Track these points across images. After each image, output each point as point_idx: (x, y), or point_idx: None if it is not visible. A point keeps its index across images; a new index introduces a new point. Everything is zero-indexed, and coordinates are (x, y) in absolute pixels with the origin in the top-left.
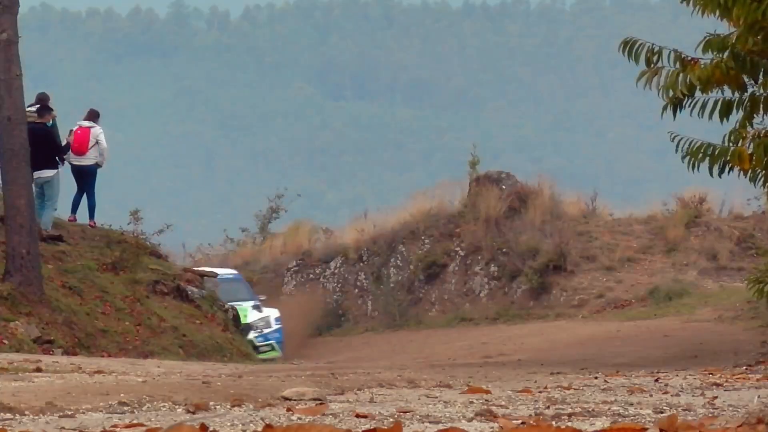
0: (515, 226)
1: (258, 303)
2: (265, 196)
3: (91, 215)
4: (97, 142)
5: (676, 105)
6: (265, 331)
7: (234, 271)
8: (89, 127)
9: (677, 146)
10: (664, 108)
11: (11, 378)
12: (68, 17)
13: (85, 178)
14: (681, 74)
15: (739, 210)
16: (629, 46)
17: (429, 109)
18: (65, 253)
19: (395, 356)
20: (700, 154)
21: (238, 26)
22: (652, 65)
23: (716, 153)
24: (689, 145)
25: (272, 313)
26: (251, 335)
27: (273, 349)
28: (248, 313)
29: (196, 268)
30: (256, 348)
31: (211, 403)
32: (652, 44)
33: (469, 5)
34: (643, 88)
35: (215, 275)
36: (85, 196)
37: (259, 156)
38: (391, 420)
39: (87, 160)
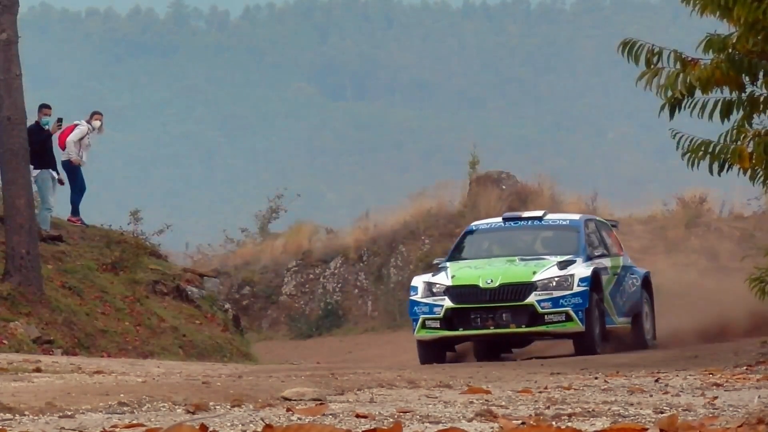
0: None
1: (576, 259)
2: (265, 196)
3: (71, 212)
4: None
5: (674, 105)
6: (557, 294)
7: (575, 216)
8: (75, 125)
9: (678, 143)
10: (662, 108)
11: (11, 378)
12: (68, 17)
13: (66, 173)
14: (681, 74)
15: (739, 210)
16: (629, 47)
17: (429, 109)
18: (65, 253)
19: (395, 356)
20: (701, 152)
21: (238, 26)
22: (652, 66)
23: (716, 151)
24: (690, 142)
25: (581, 272)
26: (531, 298)
27: (569, 319)
28: (543, 269)
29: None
30: (538, 317)
31: (211, 404)
32: (652, 45)
33: (469, 5)
34: (643, 89)
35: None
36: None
37: (259, 156)
38: (391, 420)
39: (63, 155)
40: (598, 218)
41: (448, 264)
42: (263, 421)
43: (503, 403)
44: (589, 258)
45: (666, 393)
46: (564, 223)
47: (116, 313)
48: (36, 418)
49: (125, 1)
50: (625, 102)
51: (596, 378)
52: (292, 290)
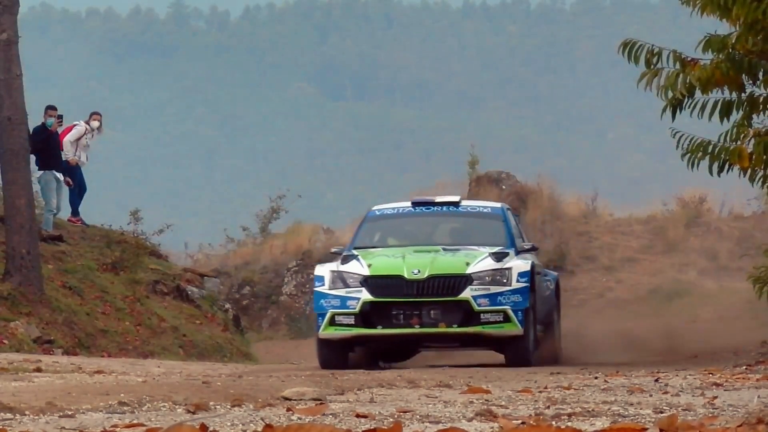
0: None
1: (508, 251)
2: (266, 196)
3: (71, 212)
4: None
5: (676, 106)
6: (494, 289)
7: (495, 204)
8: (74, 125)
9: (678, 143)
10: (664, 109)
11: (11, 378)
12: (68, 17)
13: (66, 174)
14: (681, 75)
15: (739, 210)
16: (629, 48)
17: (429, 109)
18: (65, 253)
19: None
20: (700, 152)
21: (238, 26)
22: (652, 66)
23: (716, 151)
24: (690, 142)
25: (519, 265)
26: (467, 293)
27: (507, 320)
28: (476, 260)
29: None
30: (473, 316)
31: (211, 403)
32: (652, 45)
33: (469, 5)
34: (644, 89)
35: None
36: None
37: (259, 156)
38: (391, 420)
39: (63, 156)
40: (510, 207)
41: (355, 252)
42: (263, 420)
43: (503, 403)
44: (518, 252)
45: (666, 393)
46: (485, 210)
47: (116, 313)
48: (36, 417)
49: (125, 1)
50: (625, 102)
51: (596, 378)
52: (292, 290)
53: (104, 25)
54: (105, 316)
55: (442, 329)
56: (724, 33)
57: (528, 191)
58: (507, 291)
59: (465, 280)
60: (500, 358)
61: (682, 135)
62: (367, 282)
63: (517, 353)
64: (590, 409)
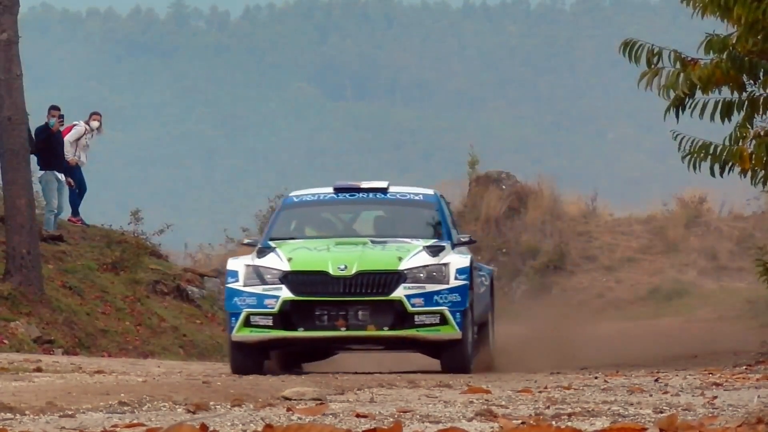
0: (515, 226)
1: (444, 244)
2: (265, 197)
3: (71, 212)
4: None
5: (678, 106)
6: (430, 288)
7: (430, 191)
8: (74, 125)
9: (679, 145)
10: (667, 110)
11: (11, 378)
12: (68, 17)
13: (66, 174)
14: (681, 74)
15: (739, 210)
16: (629, 47)
17: (429, 109)
18: (65, 253)
19: (394, 356)
20: (702, 153)
21: (238, 26)
22: (653, 66)
23: (718, 153)
24: (691, 144)
25: (457, 260)
26: (399, 291)
27: (444, 322)
28: (409, 255)
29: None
30: (407, 318)
31: (211, 403)
32: (652, 45)
33: (469, 5)
34: (644, 89)
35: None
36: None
37: (259, 156)
38: (391, 420)
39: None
40: (443, 196)
41: (272, 244)
42: (263, 420)
43: (503, 403)
44: (454, 245)
45: (666, 393)
46: (417, 198)
47: (117, 312)
48: (36, 417)
49: (125, 1)
50: (625, 102)
51: (596, 378)
52: None
53: (104, 25)
54: (105, 316)
55: (371, 332)
56: (724, 33)
57: (528, 191)
58: (444, 290)
59: (397, 277)
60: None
61: (684, 137)
62: (287, 278)
63: (454, 359)
64: (590, 409)
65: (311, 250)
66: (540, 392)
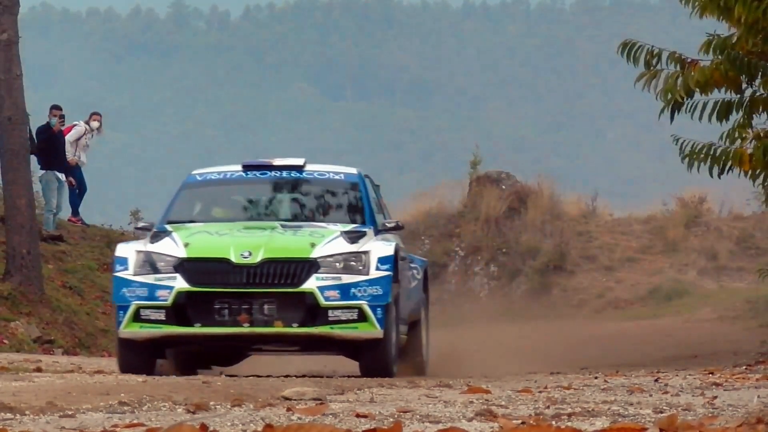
0: (515, 226)
1: (366, 230)
2: None
3: (71, 212)
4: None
5: (674, 108)
6: (347, 279)
7: (352, 170)
8: (74, 125)
9: (680, 149)
10: (662, 111)
11: (12, 378)
12: (68, 17)
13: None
14: (680, 77)
15: (739, 210)
16: (628, 48)
17: (429, 109)
18: (66, 253)
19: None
20: (702, 155)
21: (238, 26)
22: (652, 67)
23: (718, 154)
24: (692, 146)
25: (380, 248)
26: (311, 283)
27: (363, 318)
28: (324, 241)
29: None
30: (319, 313)
31: (211, 403)
32: (652, 46)
33: (469, 5)
34: (642, 90)
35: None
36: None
37: (259, 156)
38: (391, 420)
39: None
40: (369, 177)
41: (168, 228)
42: (263, 420)
43: (503, 403)
44: (378, 231)
45: (666, 393)
46: (337, 177)
47: None
48: (36, 417)
49: (125, 1)
50: (625, 102)
51: (596, 378)
52: None
53: (104, 25)
54: (105, 316)
55: (278, 329)
56: (724, 34)
57: (528, 191)
58: (363, 281)
59: (309, 266)
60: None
61: (684, 140)
62: (183, 266)
63: (374, 360)
64: (590, 409)
65: (212, 234)
66: (540, 392)
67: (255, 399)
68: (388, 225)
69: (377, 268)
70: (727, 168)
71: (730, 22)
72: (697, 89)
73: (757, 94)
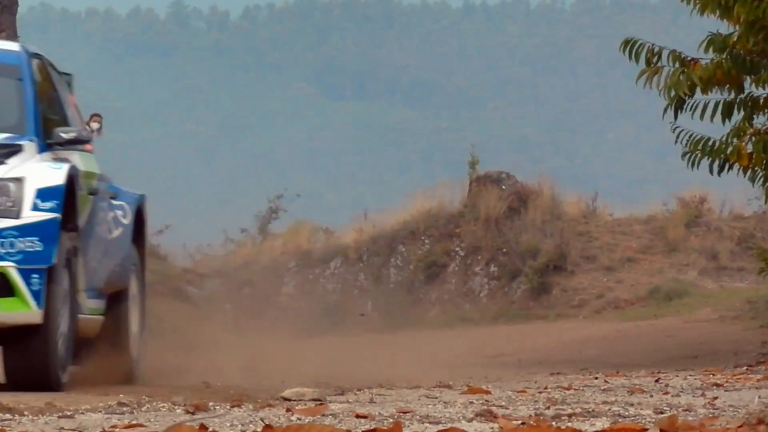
0: (515, 226)
1: (22, 142)
2: (265, 197)
3: None
4: None
5: (677, 106)
6: None
7: (13, 46)
8: None
9: (677, 137)
10: (666, 109)
11: None
12: (68, 17)
13: None
14: (682, 74)
15: (739, 210)
16: (630, 46)
17: (429, 109)
18: None
19: (396, 357)
20: (699, 149)
21: (238, 26)
22: (653, 65)
23: (715, 148)
24: (689, 137)
25: (42, 174)
26: None
27: (9, 291)
28: None
29: None
30: None
31: (211, 404)
32: (653, 44)
33: (469, 5)
34: (643, 87)
35: None
36: None
37: (259, 156)
38: (391, 420)
39: None
40: (47, 59)
41: None
42: (263, 421)
43: (503, 403)
44: (47, 146)
45: (666, 393)
46: None
47: None
48: (35, 418)
49: (125, 1)
50: (625, 102)
51: (596, 378)
52: (292, 291)
53: (104, 25)
54: None
55: None
56: (724, 33)
57: (528, 191)
58: (10, 228)
59: None
60: None
61: (682, 130)
62: None
63: (27, 360)
64: (590, 410)
65: None
66: (540, 393)
67: (254, 399)
68: (66, 136)
69: (35, 208)
70: (727, 166)
71: (730, 20)
72: (700, 87)
73: (758, 93)
